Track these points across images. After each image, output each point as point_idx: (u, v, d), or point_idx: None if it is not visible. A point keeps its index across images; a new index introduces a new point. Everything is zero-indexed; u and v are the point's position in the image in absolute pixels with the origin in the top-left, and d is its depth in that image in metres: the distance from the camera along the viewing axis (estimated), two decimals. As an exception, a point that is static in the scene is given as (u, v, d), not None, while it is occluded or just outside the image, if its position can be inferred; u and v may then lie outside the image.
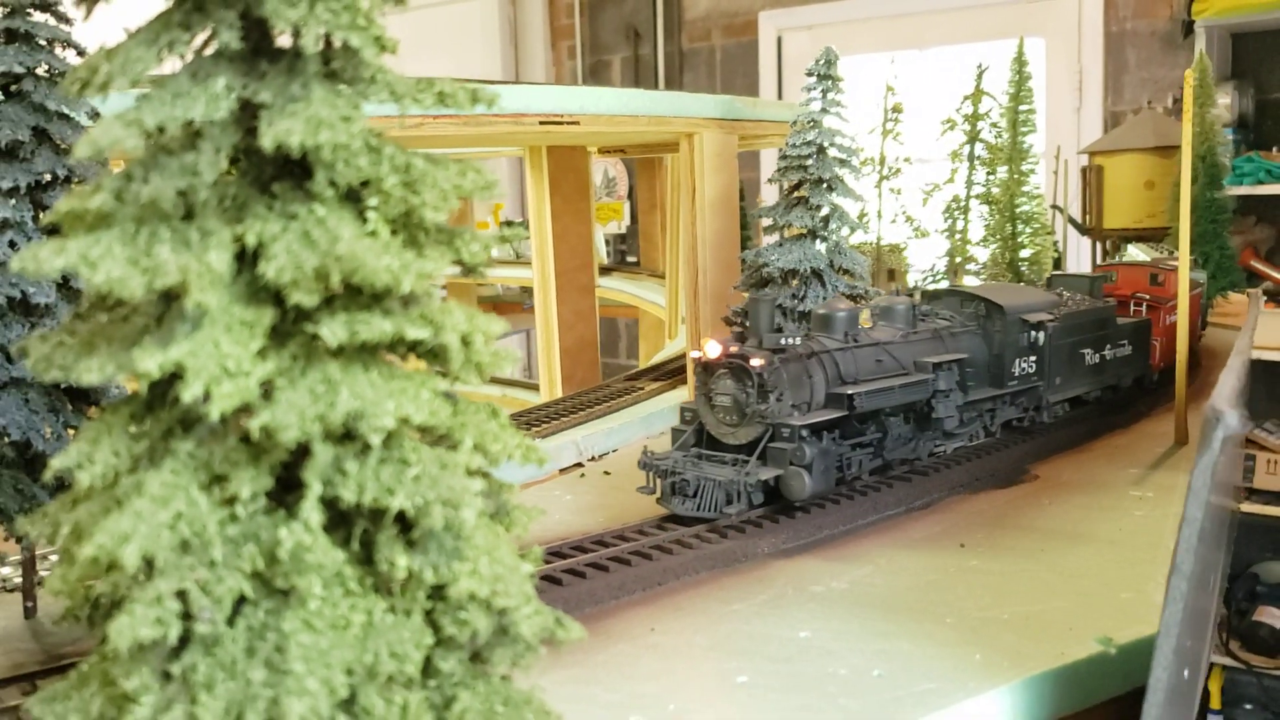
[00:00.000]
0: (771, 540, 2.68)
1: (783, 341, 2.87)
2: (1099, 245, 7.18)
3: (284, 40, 1.27)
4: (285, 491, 1.25)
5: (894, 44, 9.84)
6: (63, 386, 2.22)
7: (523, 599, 1.32)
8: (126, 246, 1.16)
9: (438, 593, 1.29)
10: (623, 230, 10.22)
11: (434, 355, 1.29)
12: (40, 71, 2.22)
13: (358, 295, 1.24)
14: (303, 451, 1.23)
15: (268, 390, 1.19)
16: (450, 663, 1.31)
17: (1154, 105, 7.81)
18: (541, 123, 3.68)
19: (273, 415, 1.16)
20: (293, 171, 1.28)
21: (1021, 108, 5.35)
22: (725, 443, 2.87)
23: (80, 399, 2.26)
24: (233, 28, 1.20)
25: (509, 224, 8.97)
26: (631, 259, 9.02)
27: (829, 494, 2.89)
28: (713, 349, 2.87)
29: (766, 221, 4.21)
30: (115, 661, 1.22)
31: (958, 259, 4.98)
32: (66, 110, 2.24)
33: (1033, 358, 3.53)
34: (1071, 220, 6.86)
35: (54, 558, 2.92)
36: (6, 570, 2.62)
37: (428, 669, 1.30)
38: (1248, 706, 7.00)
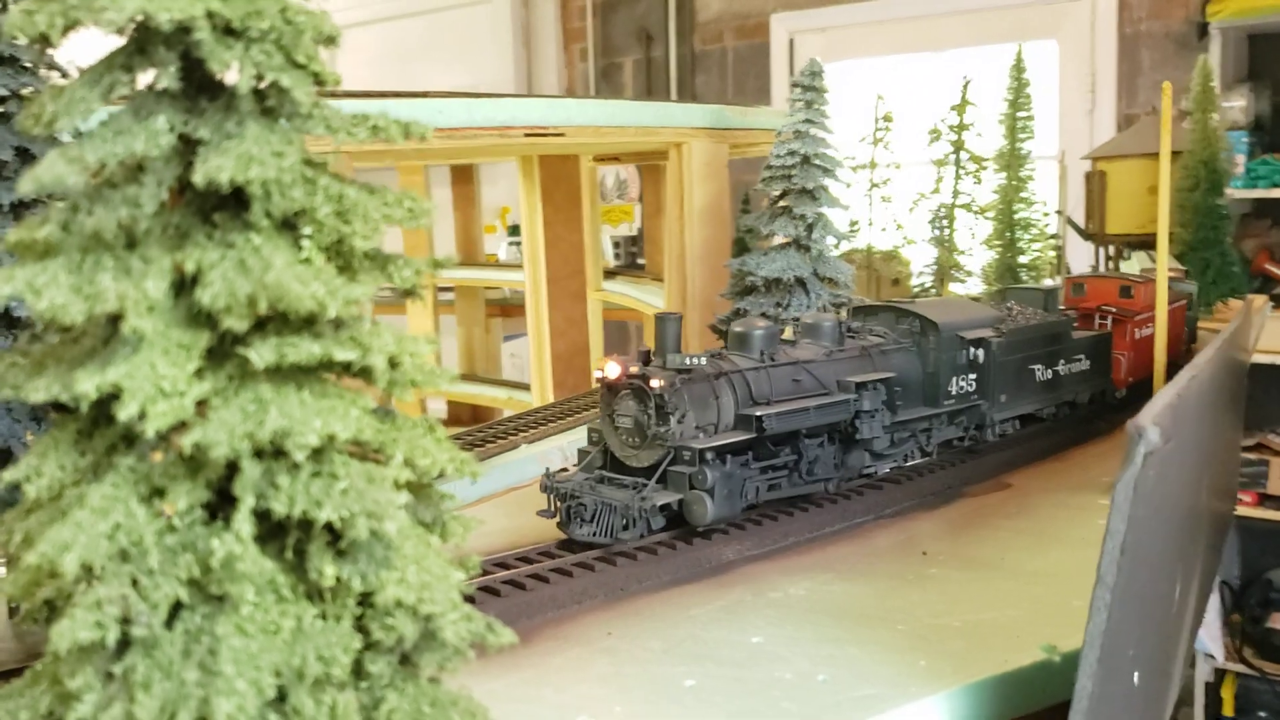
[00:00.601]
0: (737, 547, 2.74)
1: (687, 361, 2.80)
2: (1102, 251, 7.20)
3: (230, 76, 1.35)
4: (224, 503, 1.33)
5: (907, 47, 9.87)
6: (44, 396, 2.30)
7: (449, 605, 1.39)
8: (71, 274, 1.24)
9: (366, 599, 1.37)
10: (634, 232, 10.28)
11: (364, 374, 1.36)
12: (26, 94, 2.30)
13: (290, 320, 1.32)
14: (237, 467, 1.31)
15: (203, 409, 1.27)
16: (379, 665, 1.38)
17: (1158, 110, 7.82)
18: (527, 134, 3.76)
19: (204, 433, 1.24)
20: (232, 202, 1.36)
21: (1020, 114, 5.40)
22: (629, 465, 2.81)
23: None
24: (172, 69, 1.28)
25: (515, 229, 9.05)
26: (642, 261, 9.08)
27: (734, 519, 2.81)
28: (612, 369, 2.81)
29: (750, 230, 4.28)
30: (61, 662, 1.30)
31: (946, 267, 5.03)
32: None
33: (972, 375, 3.45)
34: (1074, 225, 6.89)
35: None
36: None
37: (358, 671, 1.38)
38: (1262, 714, 6.98)
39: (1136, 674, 2.09)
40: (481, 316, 7.92)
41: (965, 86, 4.90)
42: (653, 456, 2.75)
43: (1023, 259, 5.54)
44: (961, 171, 4.93)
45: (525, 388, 6.68)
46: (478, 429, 4.15)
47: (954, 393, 3.41)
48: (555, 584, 2.43)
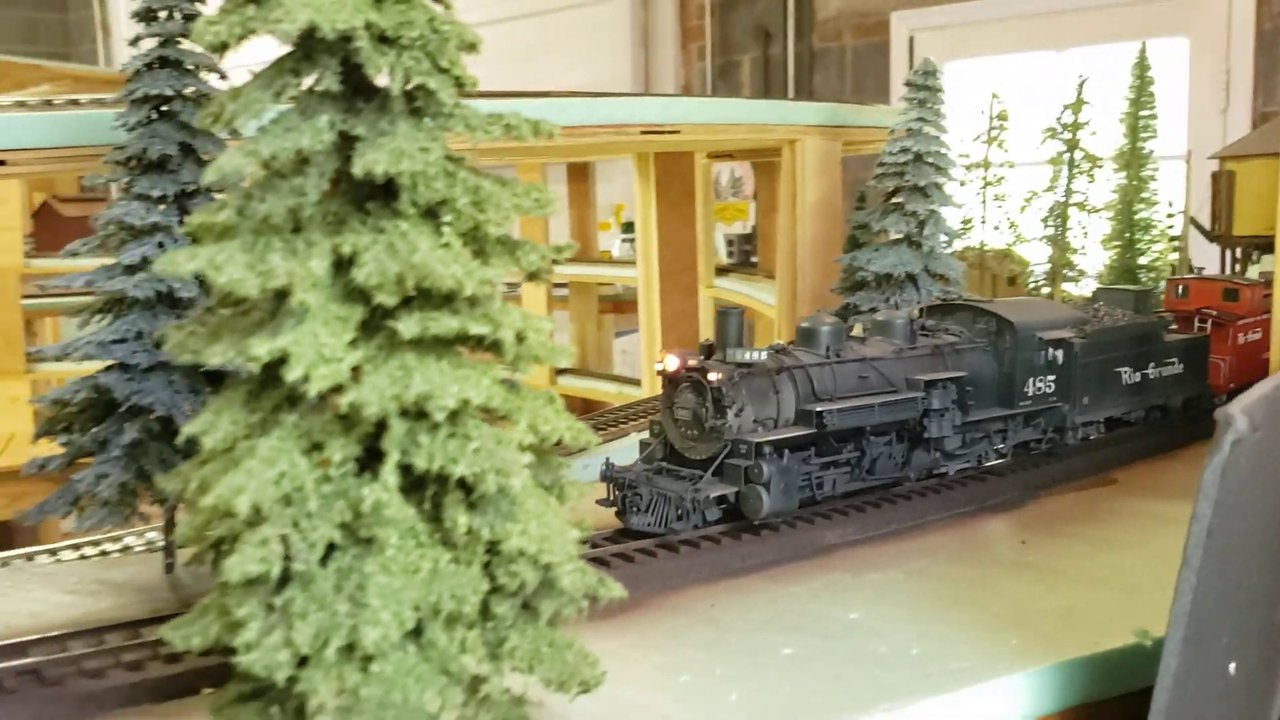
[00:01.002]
0: (839, 531, 2.84)
1: (747, 356, 2.78)
2: (1228, 253, 7.05)
3: (382, 79, 1.52)
4: (372, 458, 1.50)
5: (1029, 45, 9.74)
6: (201, 370, 2.53)
7: (566, 557, 1.54)
8: (246, 254, 1.43)
9: (493, 548, 1.53)
10: (748, 230, 10.34)
11: (494, 348, 1.52)
12: (187, 93, 2.53)
13: (432, 297, 1.48)
14: (385, 425, 1.48)
15: (357, 374, 1.44)
16: (503, 608, 1.54)
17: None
18: (643, 132, 3.91)
19: (358, 394, 1.41)
20: (382, 192, 1.53)
21: (1142, 113, 5.36)
22: (688, 457, 2.80)
23: (217, 381, 2.57)
24: (334, 73, 1.45)
25: (629, 225, 9.23)
26: (755, 259, 9.16)
27: (791, 513, 2.79)
28: (671, 362, 2.80)
29: (861, 226, 4.36)
30: (227, 594, 1.48)
31: (1059, 266, 5.03)
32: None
33: (1051, 377, 3.38)
34: (1199, 226, 6.76)
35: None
36: (151, 534, 2.97)
37: (485, 612, 1.54)
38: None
39: (1233, 664, 2.13)
40: (594, 312, 8.11)
41: (1080, 85, 4.89)
42: (710, 449, 2.75)
43: (1142, 260, 5.50)
44: (1076, 171, 4.93)
45: (635, 383, 6.84)
46: (588, 416, 4.32)
47: (1030, 394, 3.35)
48: (663, 560, 2.56)
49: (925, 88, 4.22)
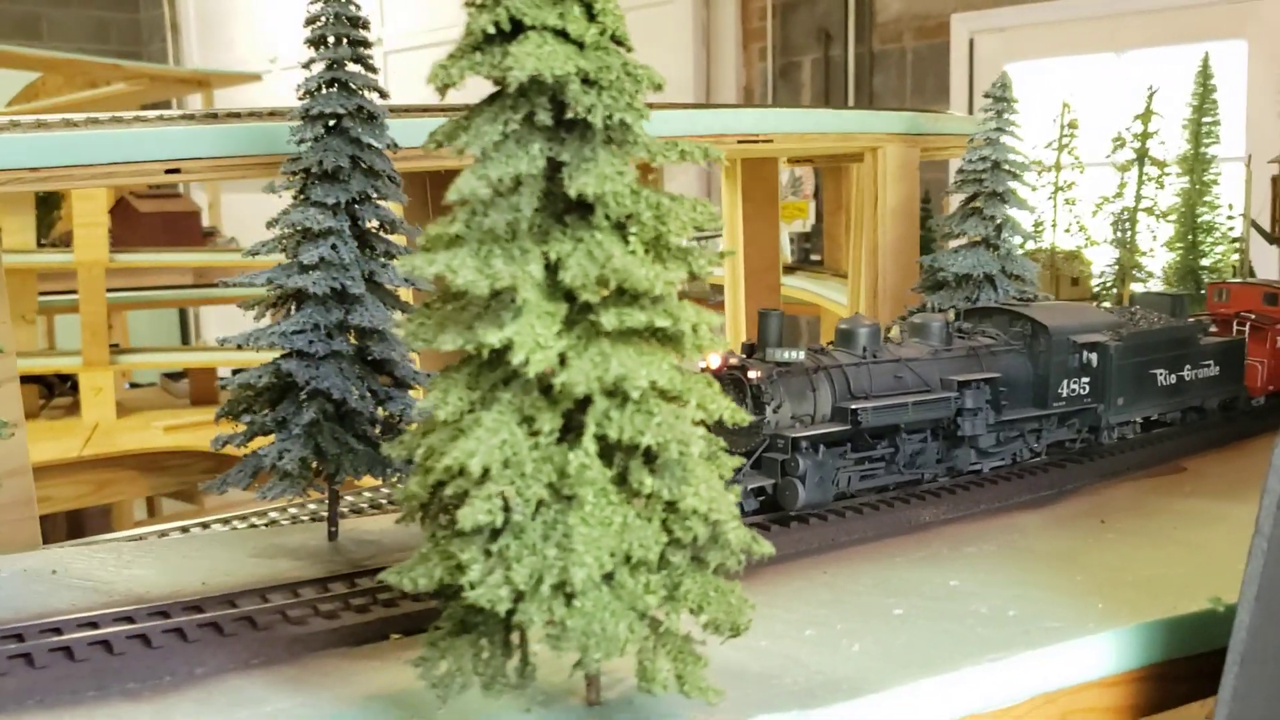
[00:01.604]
0: (934, 510, 3.11)
1: (786, 355, 2.91)
2: (1289, 255, 7.17)
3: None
4: (568, 431, 1.79)
5: (1087, 47, 9.87)
6: (367, 359, 2.85)
7: (730, 516, 1.83)
8: (474, 259, 1.72)
9: (670, 506, 1.82)
10: (807, 229, 10.54)
11: (672, 339, 1.80)
12: (354, 110, 2.84)
13: (622, 295, 1.77)
14: (581, 404, 1.78)
15: (563, 359, 1.73)
16: (678, 558, 1.83)
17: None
18: (739, 141, 4.18)
19: (568, 375, 1.70)
20: (578, 207, 1.82)
21: (1205, 119, 5.55)
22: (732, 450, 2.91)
23: (378, 369, 2.88)
24: (545, 110, 1.74)
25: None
26: (815, 257, 9.36)
27: (825, 506, 2.94)
28: (714, 360, 2.88)
29: (942, 230, 4.61)
30: (452, 541, 1.78)
31: (1128, 268, 5.23)
32: (373, 142, 2.87)
33: (1085, 379, 3.51)
34: (1259, 229, 6.90)
35: (365, 493, 3.60)
36: (313, 506, 3.29)
37: (663, 561, 1.82)
38: None
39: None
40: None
41: (1150, 96, 5.09)
42: (749, 443, 2.87)
43: (1205, 261, 5.67)
44: (1145, 177, 5.13)
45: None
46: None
47: (1064, 395, 3.47)
48: (777, 533, 2.84)
49: (1002, 99, 4.46)
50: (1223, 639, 2.42)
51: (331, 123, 2.85)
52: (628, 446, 1.79)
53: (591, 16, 1.76)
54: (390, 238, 2.95)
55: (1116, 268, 5.23)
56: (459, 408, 1.77)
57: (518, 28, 1.73)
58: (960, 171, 4.52)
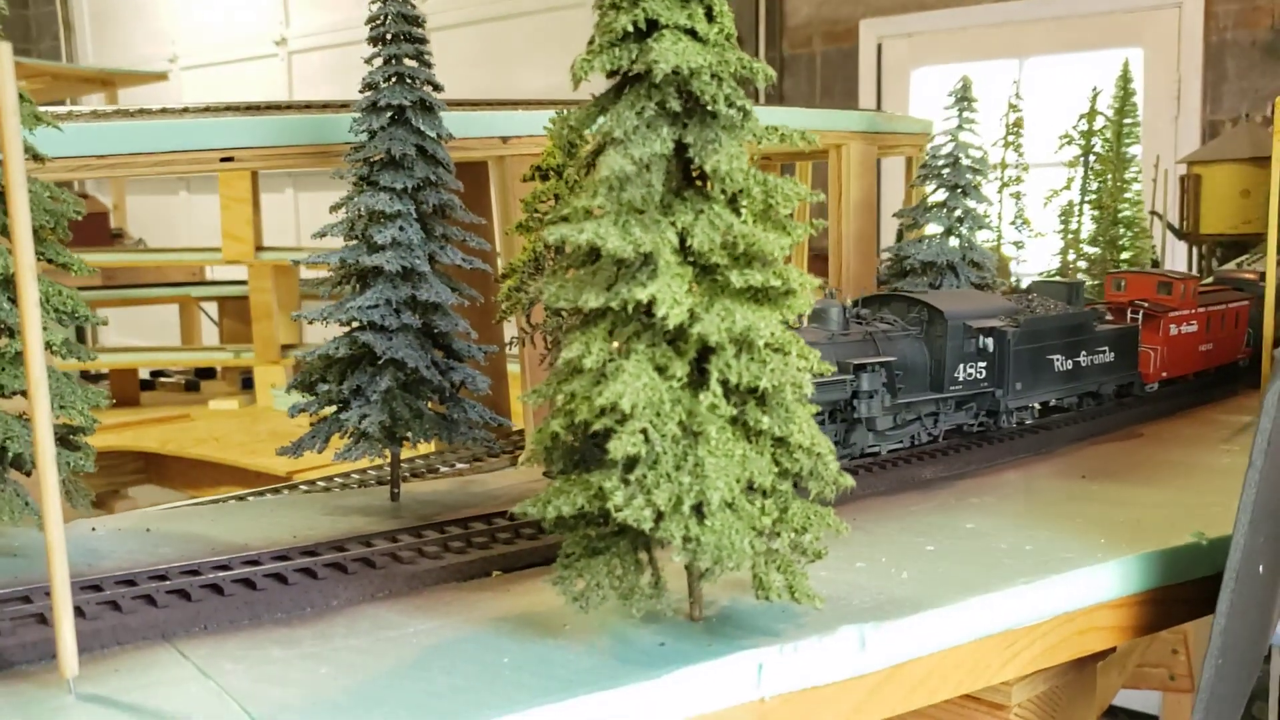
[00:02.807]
0: (933, 469, 3.45)
1: None
2: (1195, 249, 7.74)
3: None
4: (695, 375, 2.07)
5: (991, 53, 10.40)
6: (432, 332, 3.08)
7: (829, 450, 2.12)
8: (616, 228, 1.98)
9: (779, 442, 2.10)
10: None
11: (783, 296, 2.09)
12: (416, 102, 3.07)
13: (737, 259, 2.05)
14: (702, 355, 2.05)
15: (692, 315, 2.01)
16: (785, 485, 2.12)
17: (1252, 116, 8.33)
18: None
19: (702, 327, 1.98)
20: (692, 182, 2.10)
21: (1126, 121, 6.02)
22: None
23: (440, 341, 3.11)
24: (675, 98, 2.01)
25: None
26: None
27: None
28: None
29: (906, 221, 4.98)
30: (594, 471, 2.04)
31: (1071, 258, 5.67)
32: (432, 132, 3.09)
33: (982, 363, 3.61)
34: (1170, 226, 7.45)
35: (417, 460, 3.79)
36: (357, 475, 3.50)
37: (772, 489, 2.11)
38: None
39: (1262, 566, 2.75)
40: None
41: (1094, 96, 5.54)
42: None
43: (1124, 255, 6.16)
44: (1091, 172, 5.58)
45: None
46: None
47: (961, 379, 3.57)
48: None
49: (964, 99, 4.84)
50: (1208, 568, 2.80)
51: (393, 114, 3.07)
52: (744, 390, 2.07)
53: (710, 18, 2.04)
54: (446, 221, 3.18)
55: (1060, 258, 5.67)
56: (601, 357, 2.03)
57: (650, 26, 2.00)
58: (923, 166, 4.89)
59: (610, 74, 2.10)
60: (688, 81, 2.01)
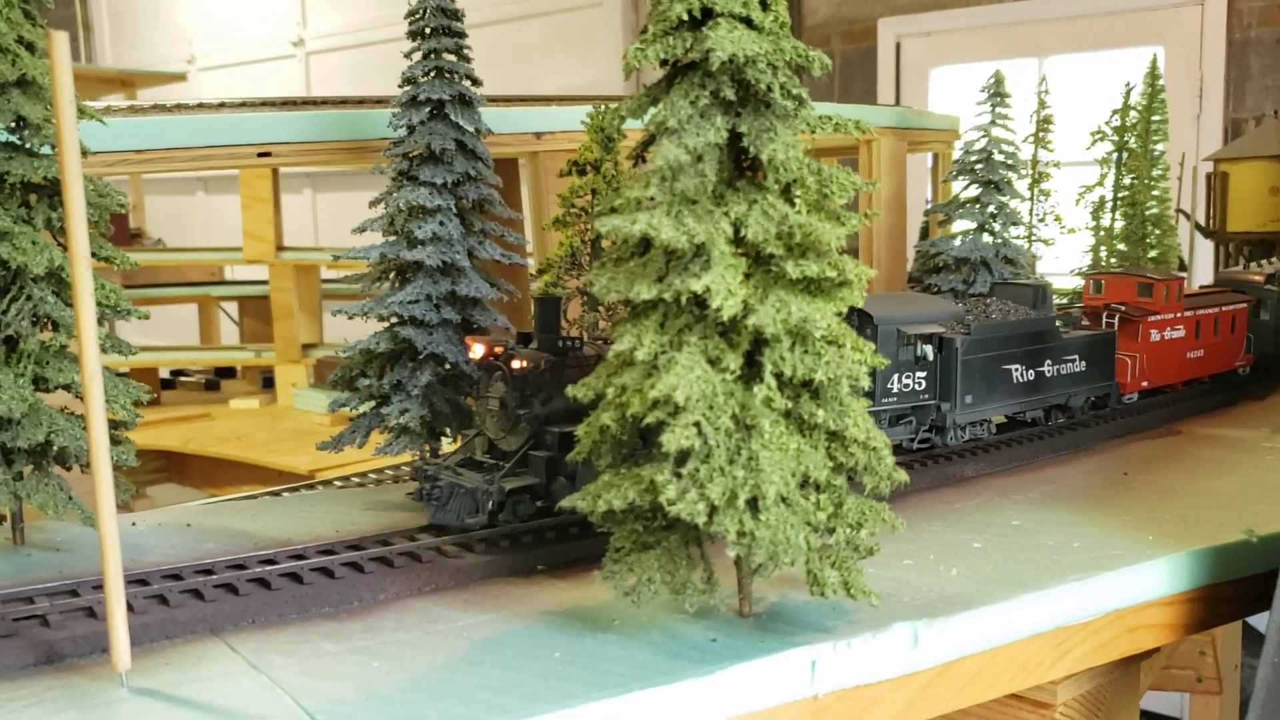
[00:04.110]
0: (975, 466, 3.41)
1: (563, 344, 2.72)
2: (1222, 248, 7.67)
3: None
4: (747, 368, 2.04)
5: (1010, 52, 10.33)
6: (472, 327, 3.06)
7: (884, 444, 2.09)
8: (670, 219, 1.96)
9: (833, 436, 2.08)
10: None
11: (837, 287, 2.06)
12: (455, 97, 3.05)
13: (792, 249, 2.03)
14: (754, 346, 2.03)
15: (746, 307, 1.98)
16: (839, 480, 2.09)
17: (1278, 114, 8.25)
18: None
19: (758, 318, 1.95)
20: (744, 172, 2.07)
21: (1154, 118, 5.97)
22: (501, 449, 2.72)
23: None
24: (729, 87, 1.99)
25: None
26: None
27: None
28: (477, 349, 2.70)
29: (939, 217, 4.95)
30: (645, 465, 2.02)
31: (1103, 255, 5.62)
32: (471, 127, 3.08)
33: (921, 374, 3.26)
34: (1197, 224, 7.39)
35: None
36: (390, 470, 3.48)
37: (828, 484, 2.08)
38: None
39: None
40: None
41: (1127, 92, 5.50)
42: (519, 440, 2.66)
43: (1152, 254, 6.10)
44: (1124, 169, 5.53)
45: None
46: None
47: (895, 391, 3.23)
48: (844, 482, 3.11)
49: (996, 94, 4.81)
50: (1260, 565, 2.76)
51: (432, 109, 3.05)
52: (798, 383, 2.05)
53: (765, 6, 2.01)
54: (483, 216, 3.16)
55: (1091, 255, 5.62)
56: (652, 350, 2.01)
57: (705, 15, 1.98)
58: (956, 162, 4.86)
59: (661, 63, 2.08)
60: (742, 70, 1.98)
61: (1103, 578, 2.53)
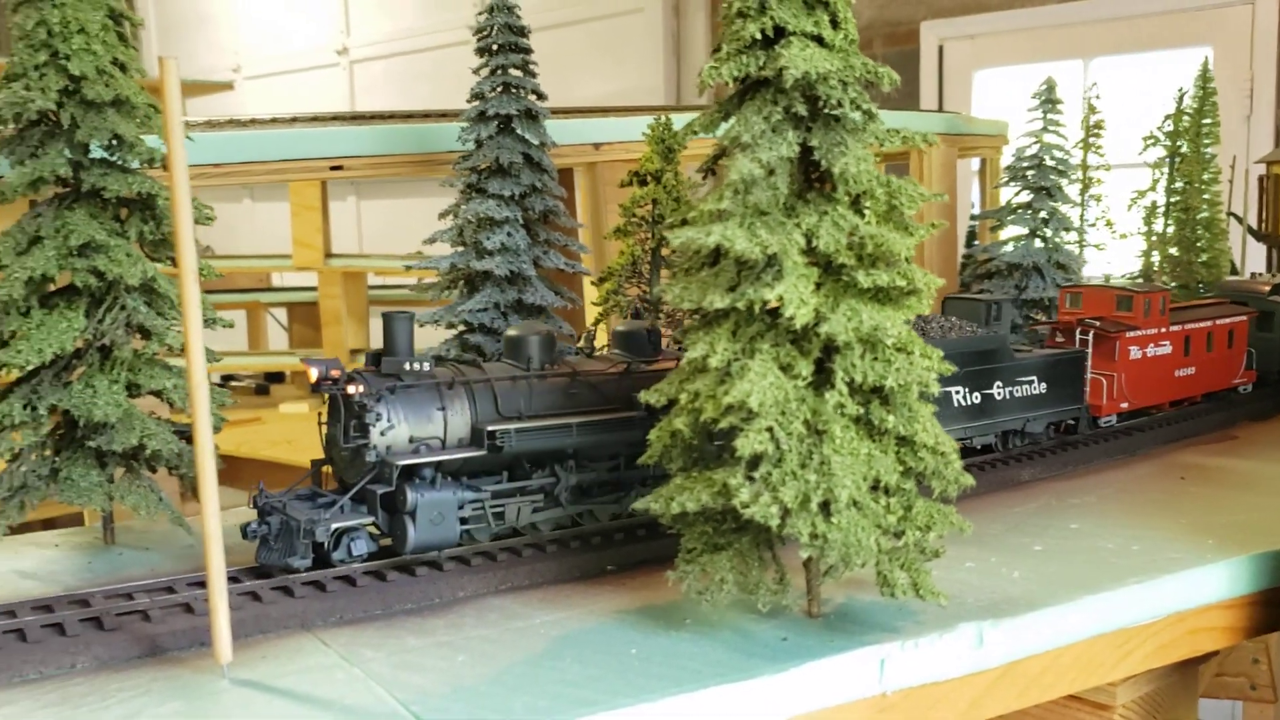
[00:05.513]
0: (1031, 470, 3.45)
1: (409, 365, 2.49)
2: (1275, 251, 7.61)
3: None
4: (817, 374, 2.11)
5: (1054, 54, 10.27)
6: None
7: (953, 449, 2.15)
8: (743, 231, 2.03)
9: (902, 440, 2.14)
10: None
11: (905, 295, 2.12)
12: (522, 111, 3.14)
13: (863, 259, 2.09)
14: (825, 353, 2.09)
15: (818, 315, 2.05)
16: (909, 484, 2.15)
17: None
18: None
19: (830, 326, 2.02)
20: (813, 186, 2.14)
21: (1205, 121, 5.96)
22: (345, 480, 2.52)
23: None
24: (801, 102, 2.06)
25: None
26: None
27: (449, 546, 2.47)
28: (312, 371, 2.42)
29: (990, 222, 4.99)
30: (718, 469, 2.09)
31: (1154, 259, 5.62)
32: (537, 140, 3.16)
33: None
34: (1249, 228, 7.34)
35: None
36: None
37: (898, 488, 2.14)
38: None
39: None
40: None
41: (1180, 96, 5.50)
42: (357, 473, 2.46)
43: (1203, 258, 6.09)
44: (1176, 174, 5.53)
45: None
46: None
47: None
48: (903, 486, 3.16)
49: (1048, 101, 4.85)
50: (1319, 569, 2.78)
51: (500, 123, 3.14)
52: (868, 389, 2.11)
53: (835, 24, 2.08)
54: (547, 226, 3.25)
55: (1142, 259, 5.62)
56: (726, 357, 2.07)
57: (778, 34, 2.05)
58: (1008, 168, 4.89)
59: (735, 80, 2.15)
60: (814, 86, 2.05)
61: (1163, 580, 2.57)
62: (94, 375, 2.48)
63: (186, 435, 2.71)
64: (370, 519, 2.42)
